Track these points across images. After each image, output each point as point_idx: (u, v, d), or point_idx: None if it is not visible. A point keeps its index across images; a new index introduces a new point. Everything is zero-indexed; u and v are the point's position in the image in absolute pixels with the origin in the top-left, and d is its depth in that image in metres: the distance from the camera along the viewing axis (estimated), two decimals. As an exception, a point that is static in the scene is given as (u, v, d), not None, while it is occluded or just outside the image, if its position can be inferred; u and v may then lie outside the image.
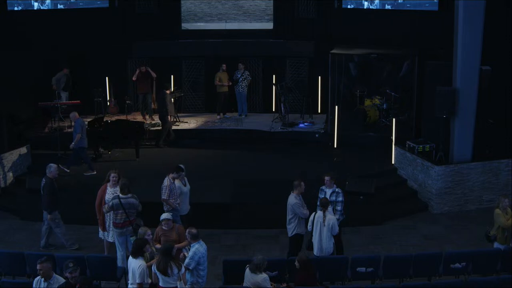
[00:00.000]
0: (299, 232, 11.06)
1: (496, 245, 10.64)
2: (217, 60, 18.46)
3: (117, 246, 10.92)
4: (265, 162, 15.52)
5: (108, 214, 11.03)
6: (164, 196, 11.39)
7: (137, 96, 18.10)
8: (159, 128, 17.34)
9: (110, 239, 11.21)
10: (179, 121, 17.85)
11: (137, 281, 8.81)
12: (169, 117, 16.70)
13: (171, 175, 11.51)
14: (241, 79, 18.20)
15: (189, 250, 9.37)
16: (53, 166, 11.99)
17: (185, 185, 11.83)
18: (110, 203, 10.71)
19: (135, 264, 8.90)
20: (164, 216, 10.07)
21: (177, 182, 11.63)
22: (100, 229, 11.43)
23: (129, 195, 10.77)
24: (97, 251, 11.66)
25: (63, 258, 9.89)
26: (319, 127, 17.36)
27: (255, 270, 8.89)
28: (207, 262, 9.43)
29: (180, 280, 9.03)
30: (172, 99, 17.54)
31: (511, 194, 12.62)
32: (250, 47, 18.89)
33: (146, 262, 9.04)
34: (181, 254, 9.50)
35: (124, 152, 16.04)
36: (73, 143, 14.47)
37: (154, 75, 17.69)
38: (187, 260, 9.21)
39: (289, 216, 11.04)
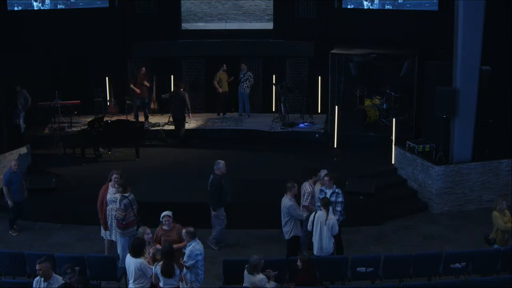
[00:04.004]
0: (296, 234, 11.04)
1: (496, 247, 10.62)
2: (217, 60, 18.47)
3: (122, 246, 10.83)
4: (265, 162, 15.52)
5: (110, 213, 11.01)
6: (305, 202, 11.30)
7: (135, 98, 17.96)
8: (159, 128, 17.38)
9: (113, 238, 11.19)
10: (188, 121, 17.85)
11: (149, 277, 8.94)
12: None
13: (310, 180, 11.44)
14: (242, 80, 18.22)
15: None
16: (221, 162, 11.80)
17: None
18: (122, 205, 10.61)
19: (134, 264, 8.92)
20: (165, 212, 10.07)
21: (319, 186, 11.55)
22: (102, 228, 11.40)
23: (129, 192, 10.81)
24: (97, 251, 11.66)
25: (63, 258, 9.90)
26: (319, 127, 17.36)
27: (252, 271, 8.88)
28: (203, 261, 9.39)
29: (182, 280, 9.06)
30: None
31: (511, 194, 12.63)
32: (250, 47, 18.90)
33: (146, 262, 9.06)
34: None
35: (124, 152, 16.04)
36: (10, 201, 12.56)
37: (148, 85, 17.75)
38: (185, 258, 9.23)
39: (284, 219, 10.99)
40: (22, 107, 16.21)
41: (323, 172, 11.57)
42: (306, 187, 11.40)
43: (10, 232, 12.72)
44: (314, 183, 11.50)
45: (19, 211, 12.77)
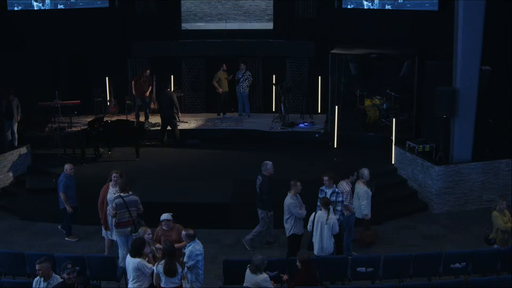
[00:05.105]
0: (296, 232, 11.09)
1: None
2: (217, 60, 18.47)
3: (119, 245, 10.89)
4: (265, 162, 15.50)
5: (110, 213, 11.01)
6: (345, 202, 11.39)
7: (135, 98, 17.94)
8: (159, 128, 17.37)
9: (114, 237, 11.20)
10: (179, 121, 17.85)
11: (148, 276, 8.96)
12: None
13: (347, 180, 11.57)
14: (242, 79, 18.22)
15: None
16: (269, 163, 11.77)
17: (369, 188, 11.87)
18: (114, 204, 10.65)
19: (133, 264, 8.93)
20: (164, 216, 10.05)
21: (362, 186, 11.66)
22: (103, 228, 11.41)
23: (130, 193, 10.81)
24: (97, 251, 11.66)
25: (63, 258, 9.89)
26: (319, 127, 17.35)
27: (255, 270, 8.90)
28: (203, 262, 9.41)
29: (184, 279, 9.06)
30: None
31: (511, 195, 12.63)
32: (250, 47, 18.90)
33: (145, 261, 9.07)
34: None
35: (124, 152, 16.04)
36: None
37: (148, 93, 17.76)
38: (185, 259, 9.25)
39: (285, 216, 11.12)
40: (16, 116, 15.47)
41: (366, 171, 11.72)
42: (344, 186, 11.50)
43: (67, 238, 12.43)
44: (352, 182, 11.60)
45: (74, 216, 12.36)
